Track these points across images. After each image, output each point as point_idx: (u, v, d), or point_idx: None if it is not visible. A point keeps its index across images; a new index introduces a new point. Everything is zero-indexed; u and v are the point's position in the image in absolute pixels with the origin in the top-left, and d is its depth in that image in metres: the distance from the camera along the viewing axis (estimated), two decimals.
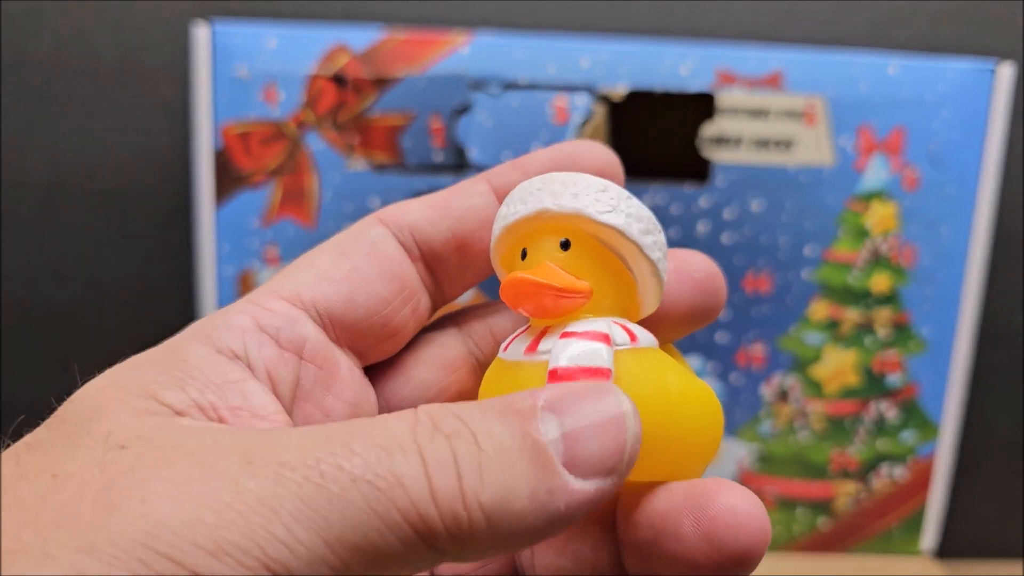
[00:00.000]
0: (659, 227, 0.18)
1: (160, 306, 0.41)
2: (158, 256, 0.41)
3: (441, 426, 0.14)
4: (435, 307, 0.20)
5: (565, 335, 0.17)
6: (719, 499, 0.15)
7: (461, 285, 0.20)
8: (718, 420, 0.17)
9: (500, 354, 0.18)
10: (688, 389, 0.17)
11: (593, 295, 0.17)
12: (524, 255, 0.18)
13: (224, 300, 0.36)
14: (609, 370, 0.16)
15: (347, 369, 0.18)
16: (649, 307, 0.18)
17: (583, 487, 0.14)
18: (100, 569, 0.12)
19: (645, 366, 0.17)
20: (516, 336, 0.18)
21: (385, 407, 0.19)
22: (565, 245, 0.17)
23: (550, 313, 0.17)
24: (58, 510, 0.12)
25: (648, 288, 0.18)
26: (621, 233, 0.17)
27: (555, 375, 0.16)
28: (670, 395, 0.16)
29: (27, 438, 0.14)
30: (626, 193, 0.18)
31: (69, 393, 0.15)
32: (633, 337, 0.17)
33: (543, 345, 0.17)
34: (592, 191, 0.17)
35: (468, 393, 0.20)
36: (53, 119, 0.40)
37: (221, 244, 0.36)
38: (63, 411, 0.15)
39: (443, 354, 0.20)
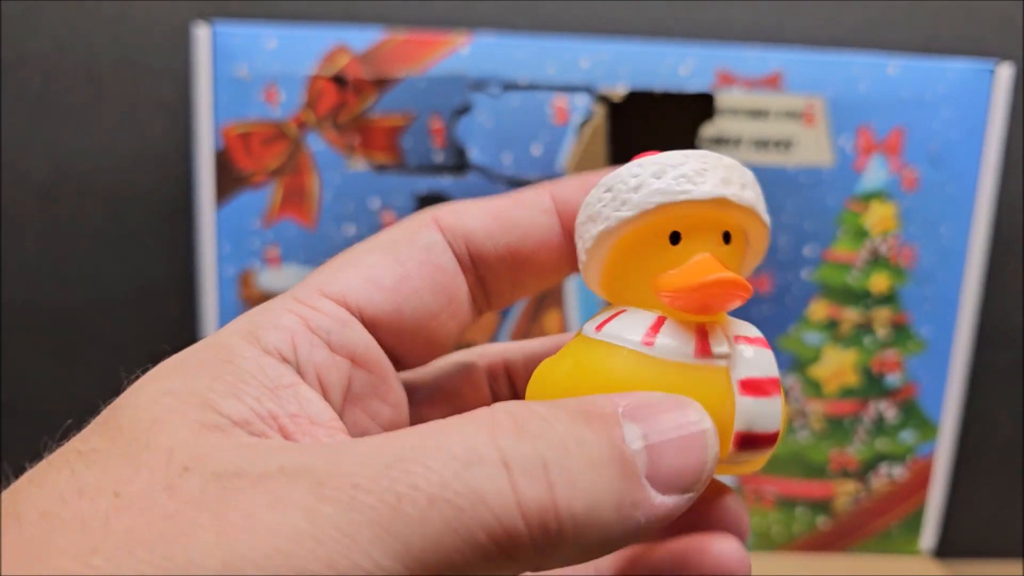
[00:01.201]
0: None
1: (160, 306, 0.41)
2: (158, 256, 0.41)
3: (526, 427, 0.13)
4: (479, 315, 0.19)
5: (739, 339, 0.15)
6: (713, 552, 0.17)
7: (508, 299, 0.19)
8: None
9: (639, 348, 0.15)
10: None
11: None
12: (676, 239, 0.16)
13: (224, 300, 0.36)
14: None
15: (392, 373, 0.18)
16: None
17: (663, 501, 0.14)
18: None
19: None
20: (652, 325, 0.15)
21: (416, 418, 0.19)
22: (727, 238, 0.16)
23: (714, 312, 0.15)
24: (126, 536, 0.12)
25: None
26: (767, 239, 0.16)
27: (747, 386, 0.15)
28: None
29: (76, 443, 0.14)
30: None
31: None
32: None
33: (715, 348, 0.15)
34: (756, 185, 0.16)
35: None
36: (53, 119, 0.40)
37: (222, 244, 0.36)
38: (116, 419, 0.14)
39: (471, 375, 0.20)
